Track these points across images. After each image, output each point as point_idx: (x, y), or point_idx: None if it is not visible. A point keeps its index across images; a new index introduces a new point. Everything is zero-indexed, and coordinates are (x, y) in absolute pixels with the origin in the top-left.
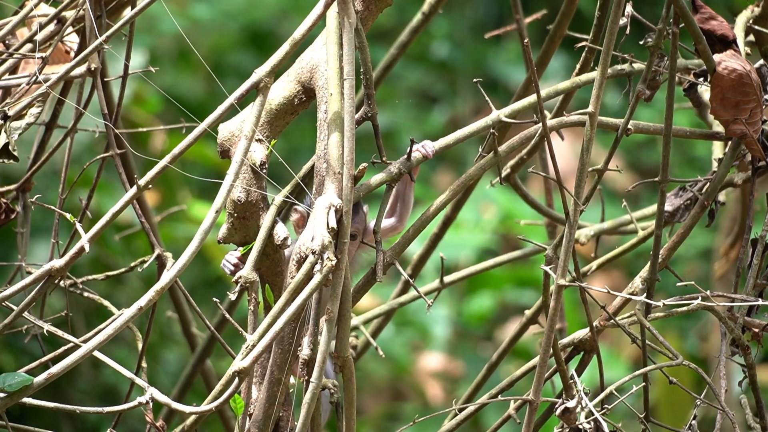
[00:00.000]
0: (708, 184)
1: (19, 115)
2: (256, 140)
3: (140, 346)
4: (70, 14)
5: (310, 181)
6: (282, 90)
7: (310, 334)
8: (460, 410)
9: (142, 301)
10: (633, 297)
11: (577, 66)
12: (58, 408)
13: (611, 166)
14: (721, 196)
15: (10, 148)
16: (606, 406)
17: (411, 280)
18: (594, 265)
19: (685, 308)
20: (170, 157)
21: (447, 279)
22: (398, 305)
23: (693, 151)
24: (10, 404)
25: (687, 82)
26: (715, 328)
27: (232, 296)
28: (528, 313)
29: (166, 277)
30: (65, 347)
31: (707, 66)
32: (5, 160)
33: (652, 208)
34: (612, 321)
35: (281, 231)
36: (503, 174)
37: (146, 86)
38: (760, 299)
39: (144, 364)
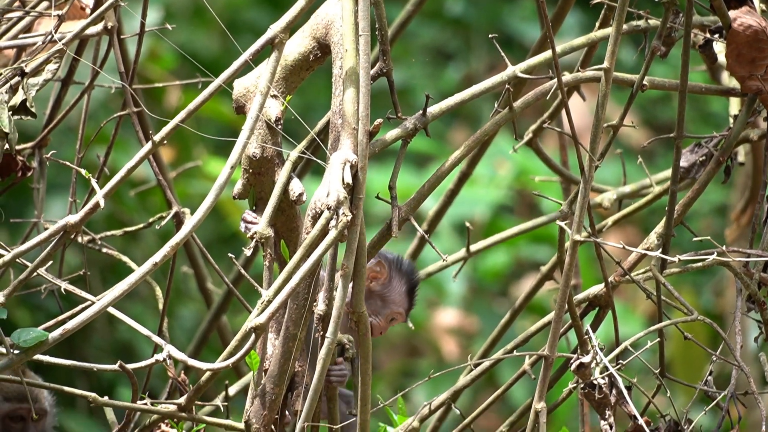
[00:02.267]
0: (723, 140)
1: (36, 72)
2: (271, 96)
3: (160, 305)
4: None
5: (325, 136)
6: (297, 46)
7: (326, 289)
8: (476, 366)
9: (158, 257)
10: (648, 252)
11: (597, 24)
12: (74, 365)
13: (626, 122)
14: (740, 156)
15: (27, 104)
16: (621, 361)
17: (426, 236)
18: (609, 221)
19: (700, 264)
20: (185, 113)
21: (473, 248)
22: (426, 276)
23: (708, 107)
24: (25, 360)
25: (702, 39)
26: (730, 283)
27: (248, 252)
28: (543, 269)
29: (181, 232)
30: (82, 305)
31: (722, 22)
32: (23, 117)
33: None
34: (627, 277)
35: (296, 186)
36: (525, 139)
37: (161, 43)
38: None
39: (165, 324)
